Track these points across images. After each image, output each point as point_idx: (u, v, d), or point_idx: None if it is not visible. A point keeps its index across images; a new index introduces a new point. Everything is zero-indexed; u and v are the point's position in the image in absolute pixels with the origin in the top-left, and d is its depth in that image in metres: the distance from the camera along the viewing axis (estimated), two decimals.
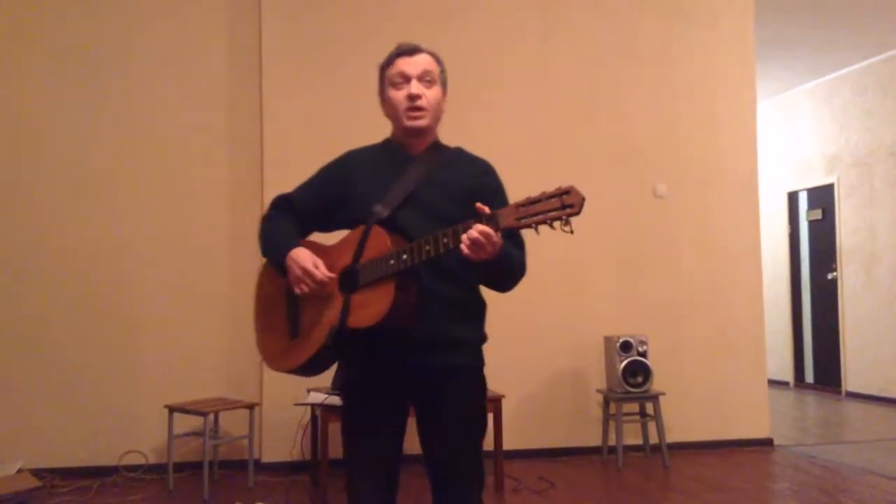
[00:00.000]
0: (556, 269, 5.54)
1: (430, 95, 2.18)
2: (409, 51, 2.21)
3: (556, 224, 1.82)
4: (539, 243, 2.23)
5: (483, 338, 2.25)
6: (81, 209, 5.22)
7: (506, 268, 2.07)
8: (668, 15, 5.94)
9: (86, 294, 5.17)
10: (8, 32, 5.24)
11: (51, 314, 5.12)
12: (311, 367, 2.16)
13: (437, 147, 2.26)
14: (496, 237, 1.89)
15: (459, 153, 2.29)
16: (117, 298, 5.20)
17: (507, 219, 1.87)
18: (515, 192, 2.11)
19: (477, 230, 1.87)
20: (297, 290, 2.13)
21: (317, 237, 2.26)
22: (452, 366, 2.15)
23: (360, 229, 2.09)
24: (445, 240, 1.94)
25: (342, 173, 2.25)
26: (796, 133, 9.00)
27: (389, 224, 2.08)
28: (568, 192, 1.80)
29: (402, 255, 2.00)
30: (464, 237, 1.89)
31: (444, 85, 2.24)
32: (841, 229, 8.28)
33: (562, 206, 1.80)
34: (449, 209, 2.09)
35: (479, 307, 2.25)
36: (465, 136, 5.92)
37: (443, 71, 2.23)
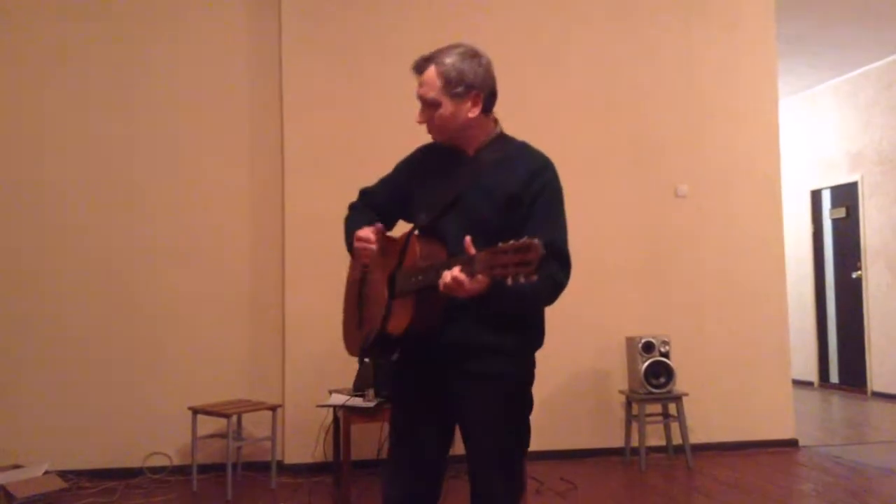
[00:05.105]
0: (577, 270, 5.47)
1: (436, 118, 2.12)
2: (417, 68, 2.14)
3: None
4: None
5: (523, 347, 2.18)
6: (105, 212, 5.27)
7: (506, 304, 2.00)
8: (688, 13, 5.90)
9: (110, 296, 5.22)
10: (31, 39, 5.30)
11: (75, 316, 5.17)
12: (368, 356, 2.26)
13: (496, 143, 2.17)
14: (468, 284, 1.82)
15: (522, 149, 2.18)
16: (141, 301, 5.25)
17: (481, 265, 1.79)
18: None
19: (450, 276, 1.84)
20: (363, 261, 2.20)
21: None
22: (482, 372, 2.10)
23: (405, 234, 2.14)
24: (432, 274, 1.93)
25: (411, 170, 2.30)
26: (819, 130, 8.90)
27: (430, 231, 2.10)
28: (528, 246, 1.68)
29: (418, 276, 2.00)
30: (442, 278, 1.86)
31: (457, 93, 2.09)
32: (865, 228, 8.18)
33: (519, 262, 1.69)
34: (489, 215, 2.07)
35: (520, 317, 2.15)
36: None
37: (451, 81, 2.08)
